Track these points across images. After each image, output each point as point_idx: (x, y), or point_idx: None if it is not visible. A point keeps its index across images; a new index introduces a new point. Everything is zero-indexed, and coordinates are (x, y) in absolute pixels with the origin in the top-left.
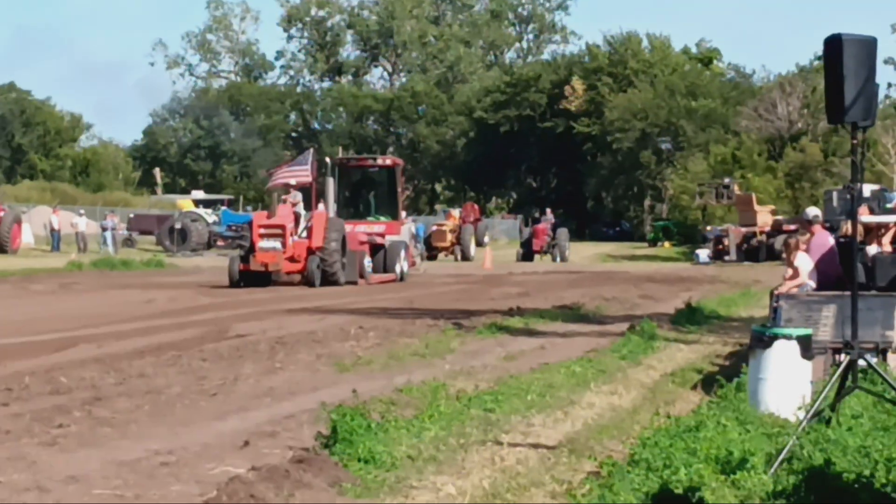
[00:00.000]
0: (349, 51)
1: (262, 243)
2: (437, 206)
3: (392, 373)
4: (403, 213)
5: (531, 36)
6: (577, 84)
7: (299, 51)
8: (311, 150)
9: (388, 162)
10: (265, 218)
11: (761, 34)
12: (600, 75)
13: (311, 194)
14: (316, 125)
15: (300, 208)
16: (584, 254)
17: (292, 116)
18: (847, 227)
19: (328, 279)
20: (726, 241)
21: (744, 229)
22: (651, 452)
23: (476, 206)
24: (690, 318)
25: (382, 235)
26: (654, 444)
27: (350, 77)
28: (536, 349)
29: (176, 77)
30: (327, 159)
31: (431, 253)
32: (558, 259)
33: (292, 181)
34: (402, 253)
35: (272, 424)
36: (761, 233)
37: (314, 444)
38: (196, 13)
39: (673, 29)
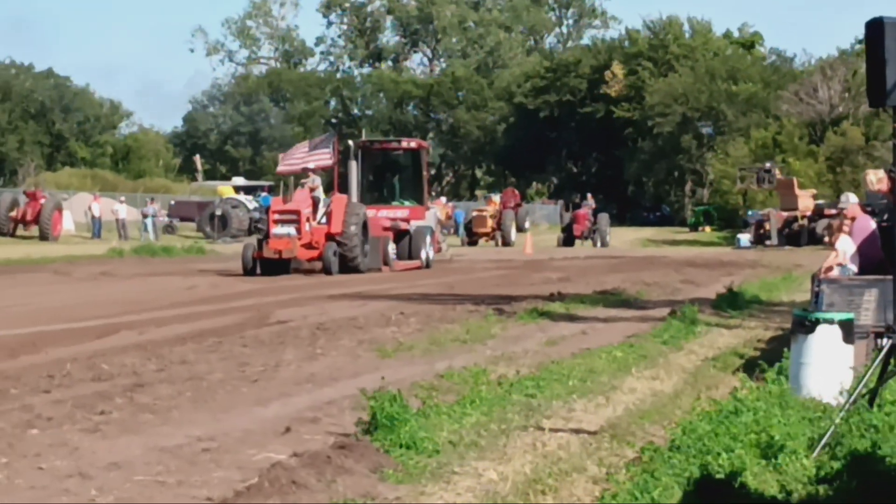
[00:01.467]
0: (389, 36)
1: (276, 229)
2: (478, 192)
3: (433, 358)
4: (444, 199)
5: (571, 21)
6: (618, 69)
7: (339, 37)
8: (334, 132)
9: (413, 145)
10: (281, 203)
11: (802, 18)
12: (641, 60)
13: (333, 179)
14: (356, 111)
15: (319, 193)
16: (625, 238)
17: (332, 102)
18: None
19: (348, 266)
20: (767, 226)
21: (785, 213)
22: (692, 437)
23: (516, 192)
24: (732, 302)
25: (407, 220)
26: (695, 429)
27: (390, 63)
28: (578, 334)
29: (216, 63)
30: (350, 142)
31: (472, 238)
32: (599, 244)
33: (311, 165)
34: (428, 239)
35: (313, 410)
36: (803, 217)
37: (356, 429)
38: None
39: (714, 13)
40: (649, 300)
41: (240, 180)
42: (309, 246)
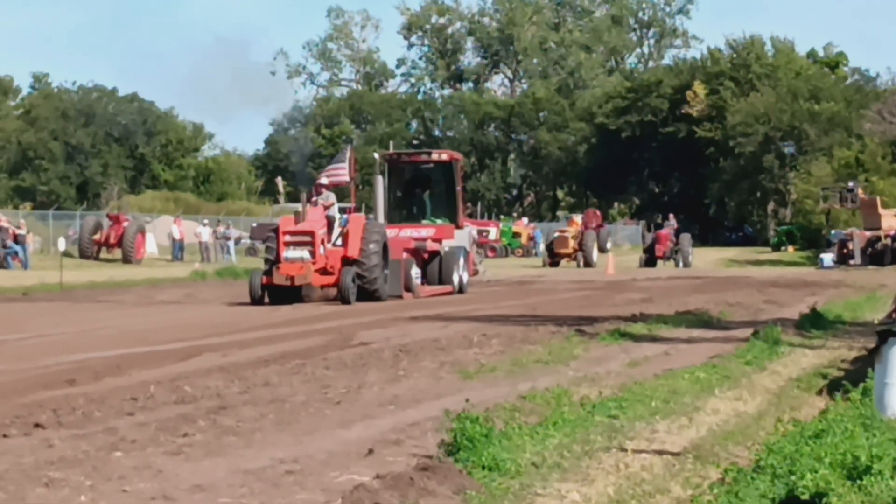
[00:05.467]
0: (470, 58)
1: (288, 253)
2: (559, 213)
3: (516, 380)
4: (525, 220)
5: (652, 41)
6: (699, 88)
7: (420, 58)
8: (349, 146)
9: (445, 157)
10: (293, 223)
11: (886, 37)
12: (722, 80)
13: (351, 196)
14: (437, 132)
15: (334, 211)
16: (708, 259)
17: (413, 124)
18: None
19: (368, 294)
20: (851, 245)
21: (868, 233)
22: (776, 458)
23: (598, 212)
24: (815, 322)
25: (438, 241)
26: (779, 450)
27: (471, 84)
28: (660, 355)
29: (297, 86)
30: (376, 155)
31: (554, 259)
32: (681, 264)
33: (324, 180)
34: (461, 261)
35: (396, 432)
36: (886, 236)
37: (438, 451)
38: (317, 22)
39: (798, 32)
40: (732, 321)
41: None
42: (324, 271)
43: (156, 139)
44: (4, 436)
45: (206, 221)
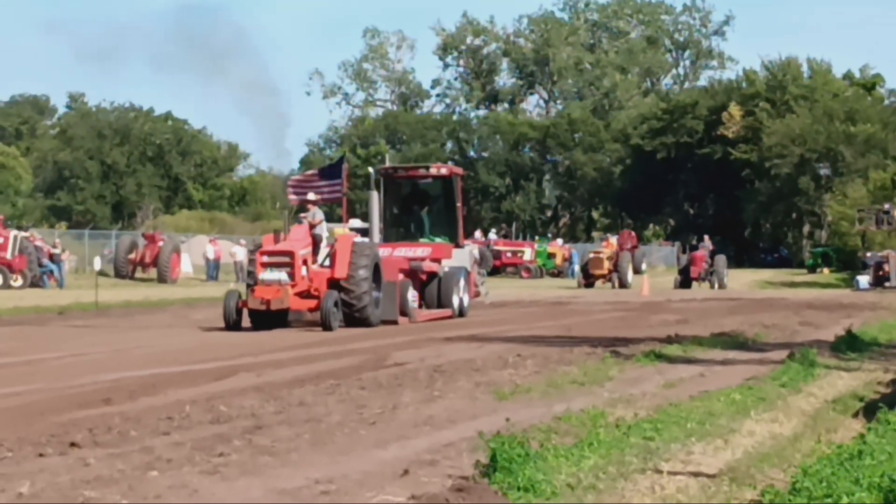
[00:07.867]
0: (505, 78)
1: (264, 274)
2: (594, 234)
3: (551, 401)
4: (559, 241)
5: (688, 62)
6: (735, 110)
7: (455, 79)
8: (343, 156)
9: (444, 171)
10: (273, 242)
11: None
12: (758, 101)
13: (343, 213)
14: (472, 153)
15: (321, 229)
16: (743, 280)
17: (449, 145)
18: None
19: (356, 319)
20: (887, 268)
21: None
22: (813, 481)
23: (633, 233)
24: (851, 345)
25: (437, 261)
26: (816, 473)
27: (506, 105)
28: (696, 377)
29: (332, 106)
30: (371, 170)
31: (588, 280)
32: (716, 286)
33: (312, 196)
34: (462, 282)
35: (432, 453)
36: None
37: (474, 472)
38: (352, 42)
39: (833, 54)
40: (767, 342)
41: (356, 222)
42: (307, 294)
43: (190, 158)
44: (41, 455)
45: (242, 241)
